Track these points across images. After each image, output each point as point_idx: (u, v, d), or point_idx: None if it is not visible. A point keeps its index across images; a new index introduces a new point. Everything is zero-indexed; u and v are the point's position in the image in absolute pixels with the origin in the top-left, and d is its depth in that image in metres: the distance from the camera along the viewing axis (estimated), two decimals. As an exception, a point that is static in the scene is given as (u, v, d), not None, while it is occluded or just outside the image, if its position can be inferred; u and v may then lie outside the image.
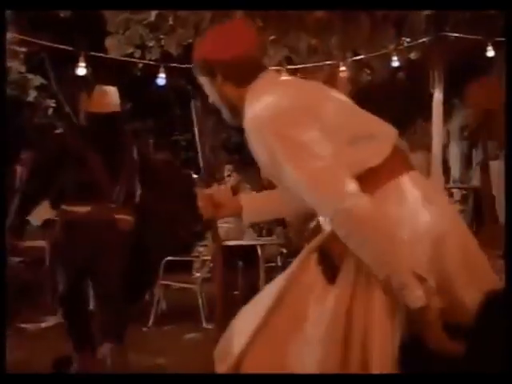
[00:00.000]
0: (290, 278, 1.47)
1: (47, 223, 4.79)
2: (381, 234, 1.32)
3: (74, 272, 3.03)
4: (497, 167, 4.22)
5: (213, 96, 1.60)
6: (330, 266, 1.40)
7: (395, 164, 1.45)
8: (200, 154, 1.68)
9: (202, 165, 1.67)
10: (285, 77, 1.62)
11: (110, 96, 3.12)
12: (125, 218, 3.06)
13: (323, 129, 1.40)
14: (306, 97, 1.47)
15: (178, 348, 3.72)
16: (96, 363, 2.98)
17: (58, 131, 3.17)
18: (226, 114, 1.61)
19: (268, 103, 1.43)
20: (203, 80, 1.60)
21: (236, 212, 1.69)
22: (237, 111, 1.56)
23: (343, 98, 1.58)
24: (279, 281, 1.50)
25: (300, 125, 1.38)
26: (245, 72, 1.54)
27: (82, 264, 3.02)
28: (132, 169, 3.14)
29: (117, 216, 3.02)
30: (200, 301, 4.52)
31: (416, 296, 1.29)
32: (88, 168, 2.98)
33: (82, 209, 2.94)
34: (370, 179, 1.40)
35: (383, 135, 1.50)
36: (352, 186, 1.33)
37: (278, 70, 1.62)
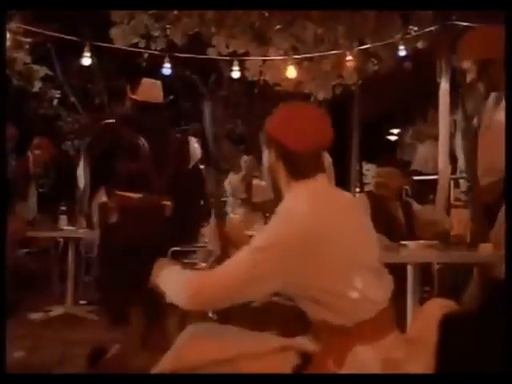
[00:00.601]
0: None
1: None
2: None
3: (120, 254, 3.09)
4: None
5: (264, 167, 1.61)
6: None
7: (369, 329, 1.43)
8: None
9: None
10: (330, 190, 1.60)
11: (156, 88, 3.33)
12: (168, 204, 3.22)
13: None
14: (328, 228, 1.44)
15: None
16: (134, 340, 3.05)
17: (109, 121, 3.33)
18: (268, 185, 1.63)
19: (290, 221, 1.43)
20: (263, 147, 1.61)
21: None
22: (277, 192, 1.57)
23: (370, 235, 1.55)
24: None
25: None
26: (299, 165, 1.53)
27: (129, 247, 3.10)
28: (173, 155, 3.28)
29: (163, 202, 3.19)
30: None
31: None
32: (139, 155, 3.14)
33: (135, 195, 3.12)
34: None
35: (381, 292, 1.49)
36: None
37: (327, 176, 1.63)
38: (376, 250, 1.53)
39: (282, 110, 1.60)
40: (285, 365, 1.43)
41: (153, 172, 3.18)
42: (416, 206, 3.70)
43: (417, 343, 1.41)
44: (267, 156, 1.58)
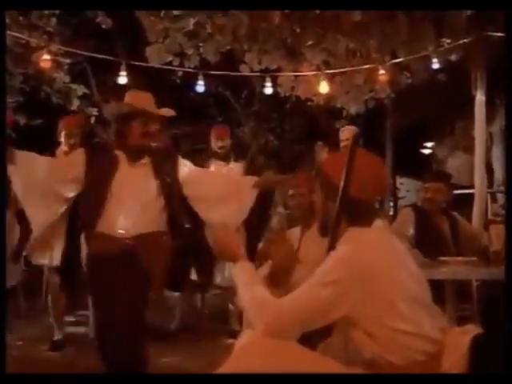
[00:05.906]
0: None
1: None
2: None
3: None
4: None
5: (317, 207, 1.68)
6: None
7: None
8: None
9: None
10: (385, 235, 1.65)
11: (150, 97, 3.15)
12: (169, 245, 2.82)
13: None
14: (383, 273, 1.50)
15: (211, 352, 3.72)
16: None
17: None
18: (319, 224, 1.76)
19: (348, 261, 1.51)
20: (317, 187, 1.67)
21: None
22: (331, 233, 1.59)
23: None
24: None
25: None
26: (357, 212, 1.58)
27: None
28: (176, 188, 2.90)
29: (165, 240, 2.82)
30: (231, 306, 4.44)
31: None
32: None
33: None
34: None
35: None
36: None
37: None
38: (428, 290, 1.58)
39: (342, 155, 1.59)
40: None
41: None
42: (462, 220, 3.64)
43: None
44: (322, 198, 1.63)
